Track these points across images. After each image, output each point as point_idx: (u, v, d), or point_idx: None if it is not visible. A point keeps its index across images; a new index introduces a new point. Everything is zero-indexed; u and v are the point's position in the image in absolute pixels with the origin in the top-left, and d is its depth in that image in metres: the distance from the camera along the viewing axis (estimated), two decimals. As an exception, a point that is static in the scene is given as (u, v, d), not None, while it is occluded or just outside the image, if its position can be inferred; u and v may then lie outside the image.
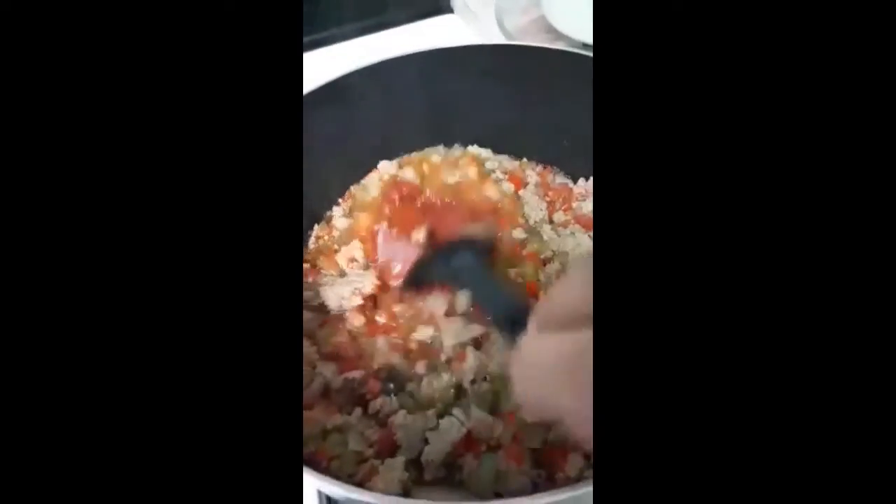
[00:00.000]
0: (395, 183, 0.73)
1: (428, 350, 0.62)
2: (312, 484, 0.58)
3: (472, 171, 0.75)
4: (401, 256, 0.65)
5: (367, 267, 0.68)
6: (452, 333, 0.61)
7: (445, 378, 0.59)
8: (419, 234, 0.66)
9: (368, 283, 0.65)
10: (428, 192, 0.72)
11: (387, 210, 0.70)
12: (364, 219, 0.71)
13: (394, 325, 0.64)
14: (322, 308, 0.66)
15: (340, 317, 0.65)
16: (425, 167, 0.76)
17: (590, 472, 0.44)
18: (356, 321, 0.64)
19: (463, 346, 0.61)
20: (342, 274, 0.69)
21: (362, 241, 0.70)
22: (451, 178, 0.74)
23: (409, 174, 0.75)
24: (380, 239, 0.67)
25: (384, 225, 0.68)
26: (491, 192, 0.73)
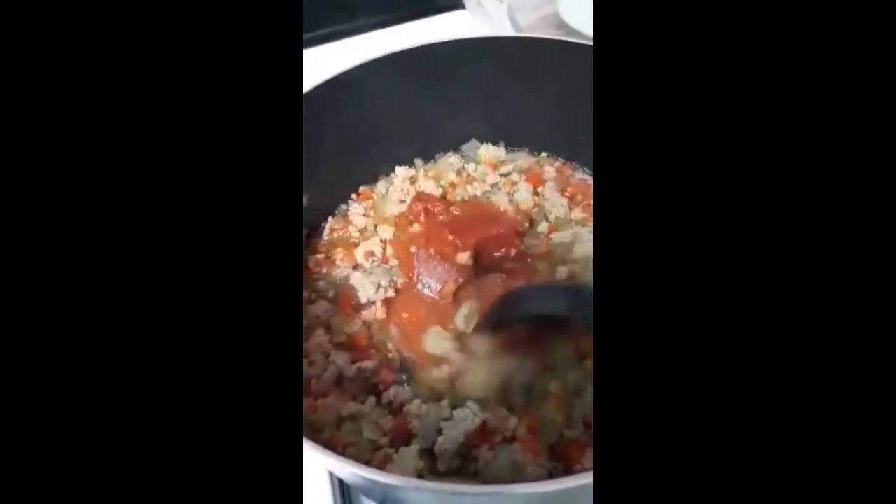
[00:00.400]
0: (419, 197, 0.74)
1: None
2: (325, 468, 0.59)
3: (491, 178, 0.77)
4: (442, 277, 0.67)
5: (384, 263, 0.70)
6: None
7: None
8: (463, 258, 0.67)
9: (399, 279, 0.68)
10: (453, 209, 0.73)
11: (416, 227, 0.72)
12: (386, 230, 0.73)
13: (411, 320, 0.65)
14: (338, 299, 0.68)
15: (357, 307, 0.66)
16: (443, 182, 0.78)
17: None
18: (379, 313, 0.65)
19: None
20: (356, 266, 0.70)
21: (383, 243, 0.72)
22: (472, 190, 0.77)
23: (429, 186, 0.76)
24: (416, 262, 0.68)
25: (420, 251, 0.69)
26: (517, 196, 0.75)
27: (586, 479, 0.39)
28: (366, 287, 0.67)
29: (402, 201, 0.75)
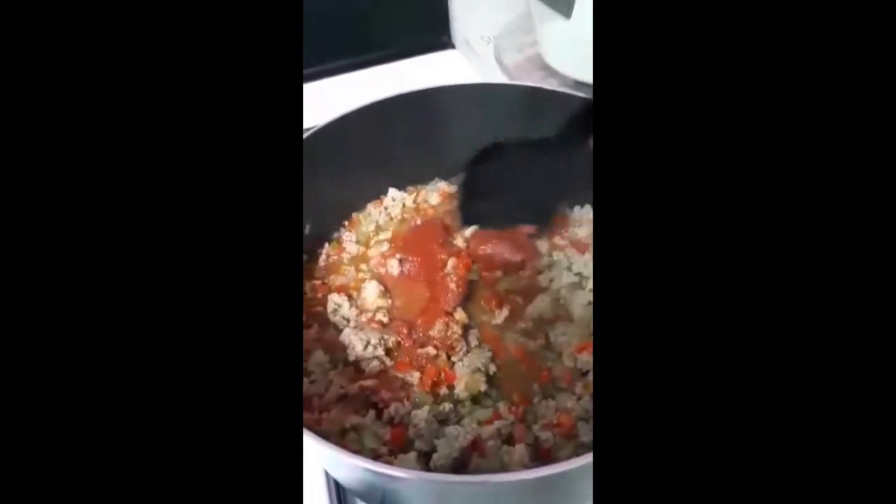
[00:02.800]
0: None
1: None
2: (322, 469, 0.66)
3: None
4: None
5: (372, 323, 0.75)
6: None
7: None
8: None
9: (391, 337, 0.72)
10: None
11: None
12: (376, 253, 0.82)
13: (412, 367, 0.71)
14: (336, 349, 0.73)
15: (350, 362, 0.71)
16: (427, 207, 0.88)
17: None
18: (375, 367, 0.71)
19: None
20: (350, 296, 0.78)
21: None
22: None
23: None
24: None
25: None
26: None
27: (568, 466, 0.47)
28: (355, 344, 0.71)
29: (377, 224, 0.85)
